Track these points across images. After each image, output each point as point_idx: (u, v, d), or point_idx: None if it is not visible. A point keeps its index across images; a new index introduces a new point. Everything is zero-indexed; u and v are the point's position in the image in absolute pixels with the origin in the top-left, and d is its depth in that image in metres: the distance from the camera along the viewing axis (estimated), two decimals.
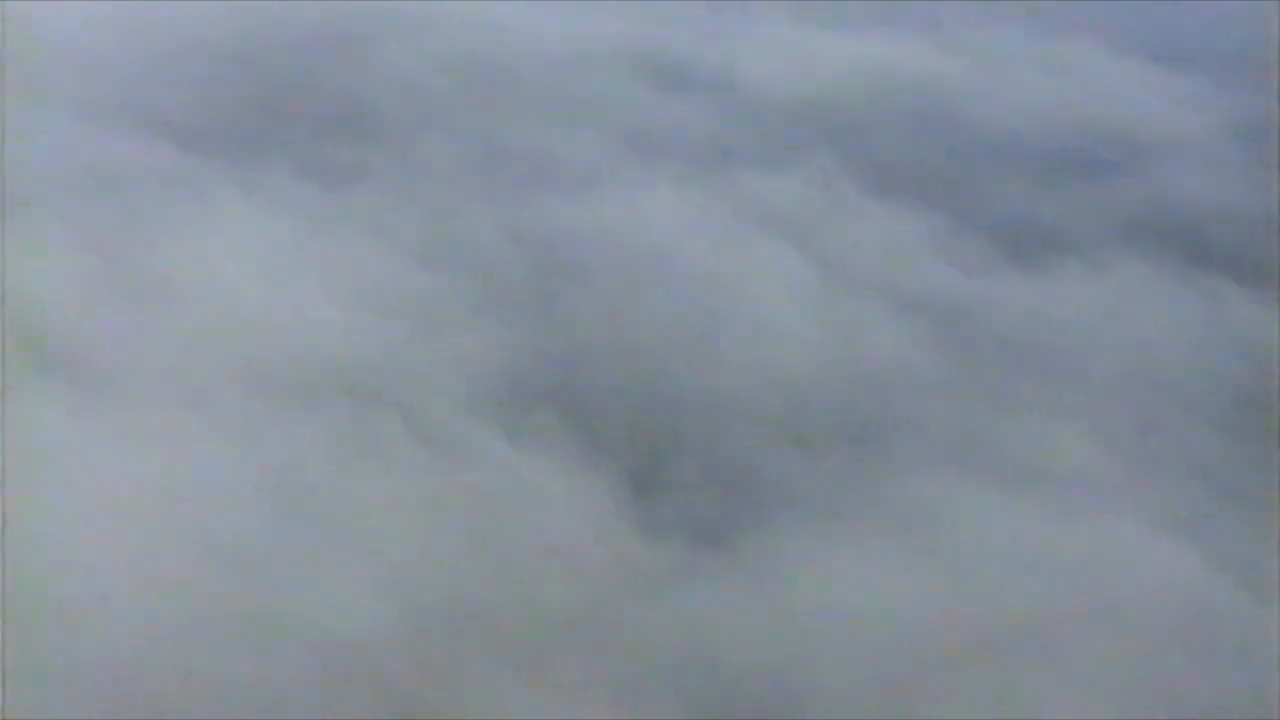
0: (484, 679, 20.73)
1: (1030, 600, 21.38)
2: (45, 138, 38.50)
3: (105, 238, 33.83)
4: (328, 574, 22.07)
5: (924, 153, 37.95)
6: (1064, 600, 21.31)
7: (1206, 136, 39.79)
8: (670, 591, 22.57)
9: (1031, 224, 34.60)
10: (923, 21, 45.53)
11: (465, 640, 21.30)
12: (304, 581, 21.79)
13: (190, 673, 20.09)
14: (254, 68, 44.89)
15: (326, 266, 33.00)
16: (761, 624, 21.61)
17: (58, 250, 33.20)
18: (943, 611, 21.27)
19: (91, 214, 34.80)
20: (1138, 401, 27.24)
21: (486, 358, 29.70)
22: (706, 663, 20.80)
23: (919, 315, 30.23)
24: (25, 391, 27.31)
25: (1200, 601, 21.82)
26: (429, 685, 20.24)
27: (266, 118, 41.19)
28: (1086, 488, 24.25)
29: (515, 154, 39.30)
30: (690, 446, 26.53)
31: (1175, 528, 23.32)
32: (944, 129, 39.22)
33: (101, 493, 23.57)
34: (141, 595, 21.05)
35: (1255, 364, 28.89)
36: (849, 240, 33.03)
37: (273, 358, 29.51)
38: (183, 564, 21.91)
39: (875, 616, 21.40)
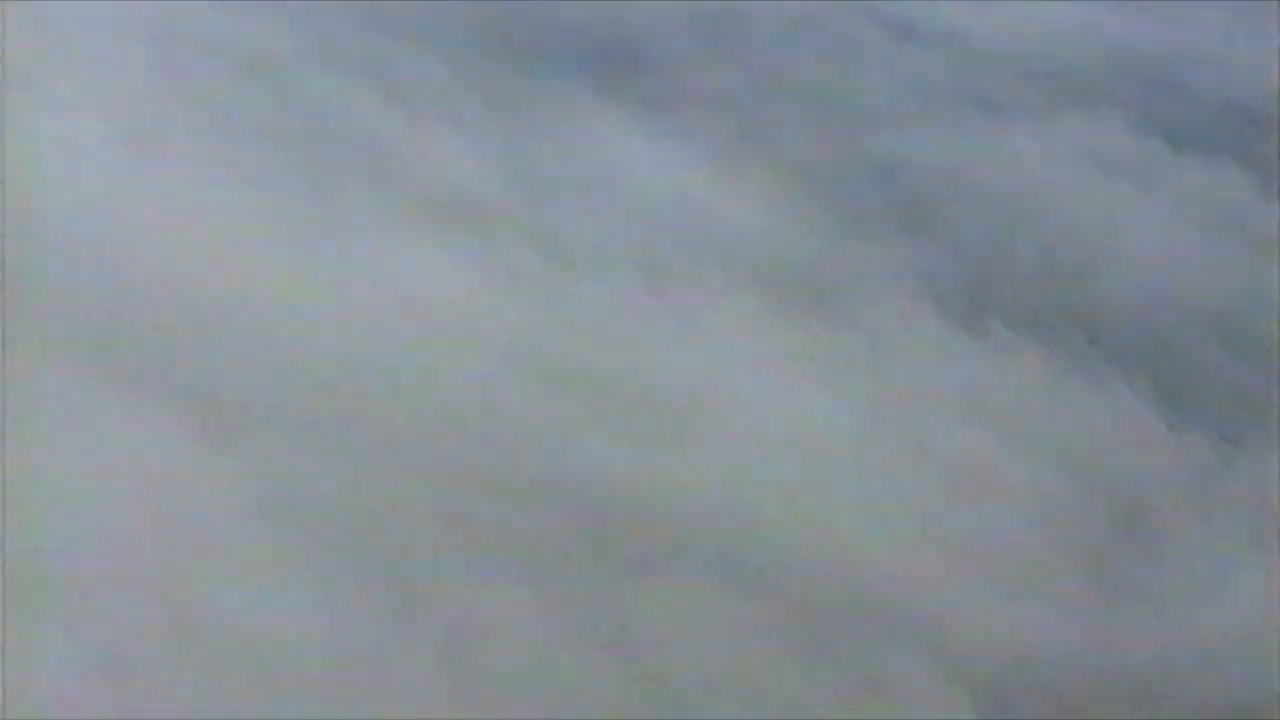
0: (1102, 560, 25.05)
1: None
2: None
3: (491, 145, 37.42)
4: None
5: (1189, 114, 43.00)
6: None
7: None
8: (1222, 482, 27.22)
9: None
10: None
11: (1079, 527, 25.58)
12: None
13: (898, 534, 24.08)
14: None
15: (721, 180, 37.02)
16: None
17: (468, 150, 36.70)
18: None
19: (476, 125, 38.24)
20: None
21: (913, 270, 34.05)
22: None
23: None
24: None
25: None
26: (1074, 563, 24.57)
27: (546, 41, 44.61)
28: None
29: (803, 90, 43.49)
30: (1156, 358, 31.18)
31: None
32: (1193, 95, 44.31)
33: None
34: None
35: None
36: (1183, 186, 38.10)
37: (723, 254, 33.47)
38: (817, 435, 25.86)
39: None
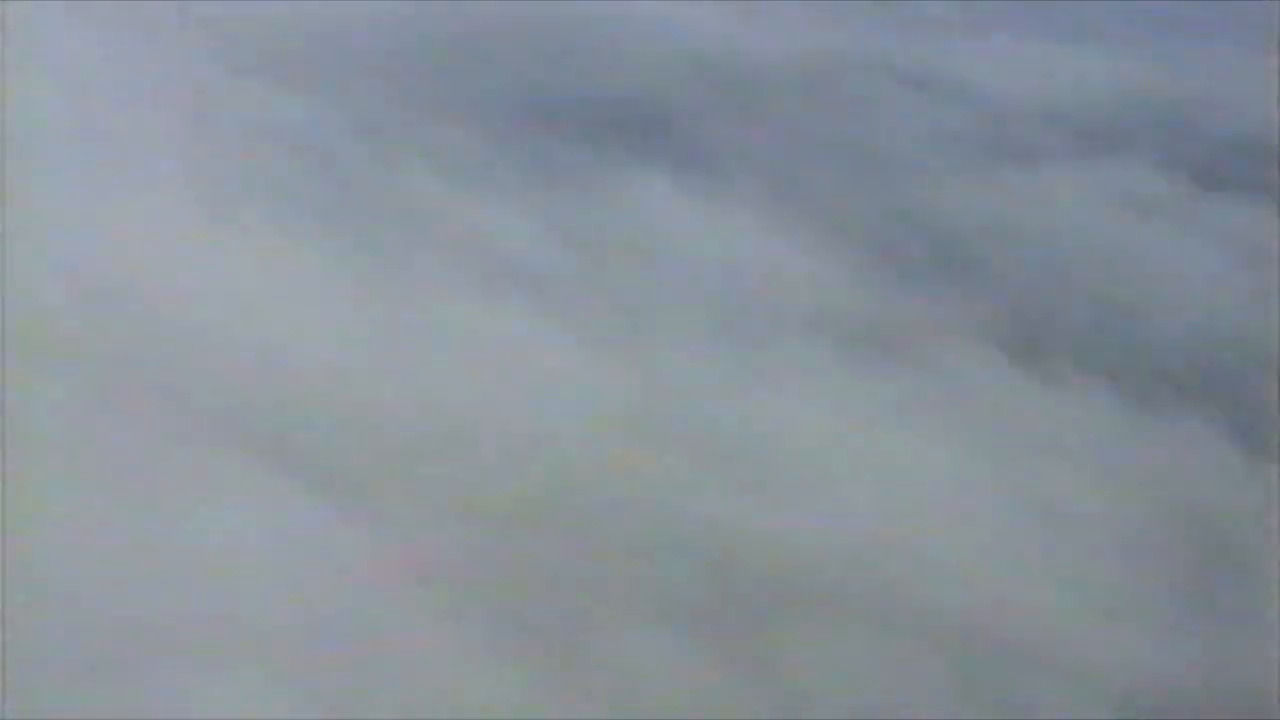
0: (1198, 587, 26.02)
1: None
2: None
3: (538, 212, 38.35)
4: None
5: (1211, 154, 44.22)
6: None
7: None
8: None
9: None
10: (1127, 36, 52.18)
11: (1172, 557, 26.50)
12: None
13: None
14: (507, 61, 49.20)
15: (767, 235, 38.00)
16: None
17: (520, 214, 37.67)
18: None
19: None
20: None
21: (967, 317, 35.02)
22: None
23: None
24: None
25: None
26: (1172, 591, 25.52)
27: (575, 110, 45.63)
28: None
29: (831, 145, 44.63)
30: (1217, 390, 32.17)
31: None
32: (1212, 136, 45.56)
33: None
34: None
35: None
36: (1216, 223, 39.33)
37: (785, 307, 34.50)
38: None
39: None
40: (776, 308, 34.09)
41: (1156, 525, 27.02)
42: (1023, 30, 53.10)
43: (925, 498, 26.03)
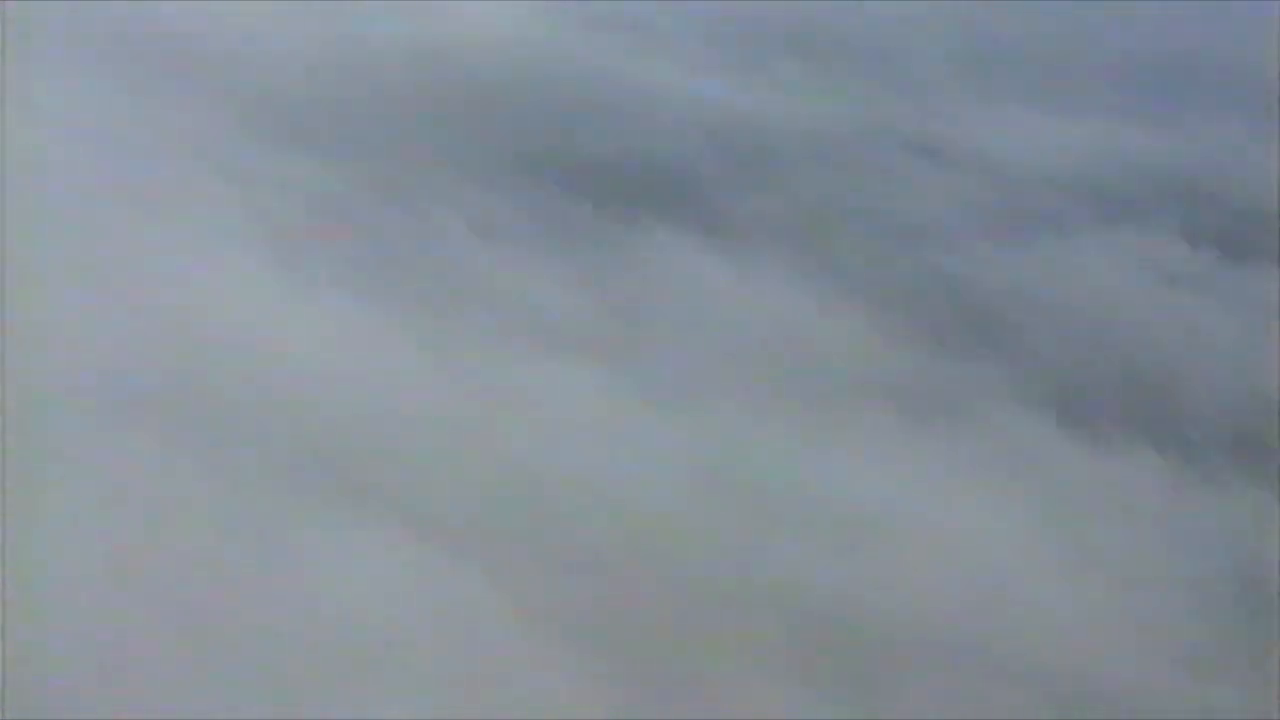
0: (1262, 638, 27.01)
1: None
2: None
3: (574, 273, 39.30)
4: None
5: (1227, 225, 45.51)
6: None
7: None
8: None
9: None
10: (1135, 108, 53.60)
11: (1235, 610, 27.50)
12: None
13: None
14: (527, 126, 50.17)
15: (800, 300, 39.02)
16: None
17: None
18: None
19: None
20: None
21: (1006, 382, 36.06)
22: None
23: None
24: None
25: None
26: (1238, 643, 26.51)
27: (597, 176, 46.54)
28: None
29: (849, 213, 45.72)
30: (1258, 452, 33.29)
31: None
32: (1220, 207, 46.84)
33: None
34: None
35: None
36: (1239, 291, 40.62)
37: (829, 371, 35.51)
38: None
39: None
40: (821, 370, 35.04)
41: (1216, 583, 28.01)
42: (1031, 102, 54.47)
43: (993, 556, 26.94)
